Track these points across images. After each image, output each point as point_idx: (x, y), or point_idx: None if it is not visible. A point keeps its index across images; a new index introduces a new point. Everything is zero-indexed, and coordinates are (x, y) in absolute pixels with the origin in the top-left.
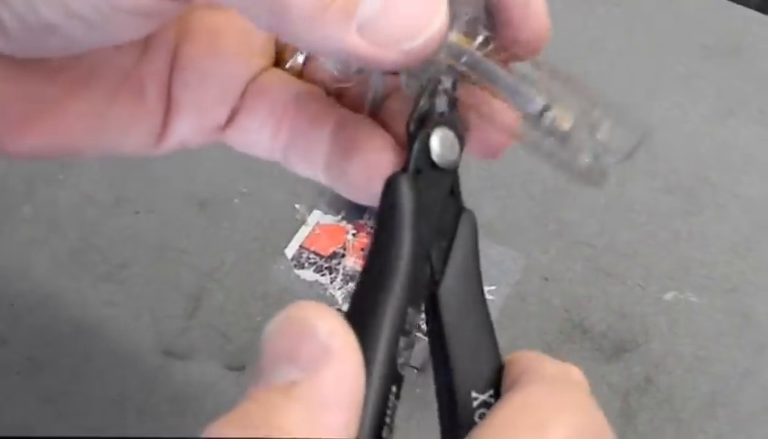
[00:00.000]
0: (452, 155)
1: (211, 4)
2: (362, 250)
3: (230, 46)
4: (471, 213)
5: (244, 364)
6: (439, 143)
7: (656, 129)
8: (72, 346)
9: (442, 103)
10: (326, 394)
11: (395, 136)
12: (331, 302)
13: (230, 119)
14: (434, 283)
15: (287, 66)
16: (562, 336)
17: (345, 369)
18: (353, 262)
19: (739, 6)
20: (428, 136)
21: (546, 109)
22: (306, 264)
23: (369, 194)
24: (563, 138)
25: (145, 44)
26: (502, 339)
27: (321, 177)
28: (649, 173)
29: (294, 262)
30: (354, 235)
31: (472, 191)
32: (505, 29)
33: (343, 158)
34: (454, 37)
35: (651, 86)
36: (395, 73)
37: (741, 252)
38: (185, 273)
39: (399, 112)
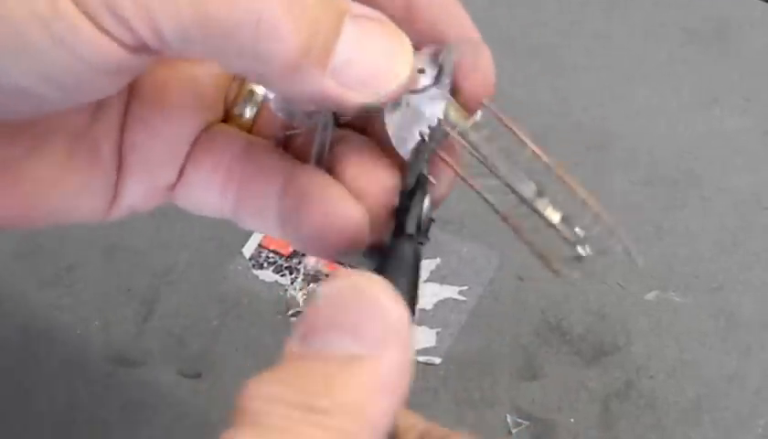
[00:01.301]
0: (430, 218)
1: (181, 58)
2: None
3: (177, 101)
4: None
5: (200, 371)
6: (428, 208)
7: (636, 117)
8: (19, 353)
9: (425, 166)
10: (387, 378)
11: (350, 182)
12: (291, 304)
13: (179, 178)
14: None
15: (237, 117)
16: (539, 339)
17: (405, 356)
18: (314, 262)
19: None
20: (422, 201)
21: (539, 194)
22: (265, 264)
23: (324, 246)
24: (549, 226)
25: (97, 103)
26: (475, 343)
27: (274, 233)
28: (628, 164)
29: (253, 262)
30: None
31: None
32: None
33: (296, 211)
34: (450, 108)
35: (630, 72)
36: (342, 125)
37: (728, 248)
38: (137, 275)
39: (347, 159)
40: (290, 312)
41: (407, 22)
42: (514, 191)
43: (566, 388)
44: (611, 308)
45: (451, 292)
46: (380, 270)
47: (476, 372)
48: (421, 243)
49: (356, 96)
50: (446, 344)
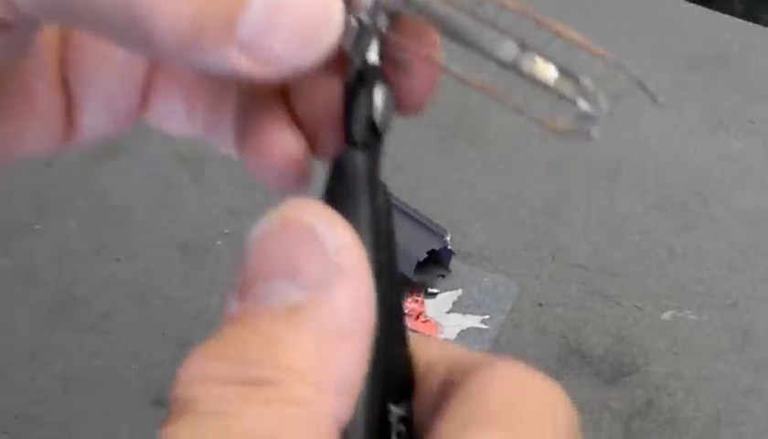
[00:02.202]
0: (391, 118)
1: (60, 29)
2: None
3: None
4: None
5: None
6: (381, 104)
7: (645, 143)
8: (59, 400)
9: (373, 51)
10: (341, 321)
11: (299, 104)
12: None
13: (142, 102)
14: None
15: None
16: (560, 362)
17: (358, 290)
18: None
19: (724, 15)
20: (370, 97)
21: (520, 54)
22: None
23: (266, 173)
24: (544, 87)
25: (20, 39)
26: None
27: (235, 155)
28: (639, 189)
29: None
30: None
31: (459, 220)
32: None
33: (243, 137)
34: None
35: (637, 99)
36: None
37: (739, 266)
38: (170, 319)
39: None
40: None
41: None
42: (486, 54)
43: (589, 409)
44: (628, 330)
45: (473, 321)
46: (326, 191)
47: None
48: (376, 149)
49: (275, 68)
50: None
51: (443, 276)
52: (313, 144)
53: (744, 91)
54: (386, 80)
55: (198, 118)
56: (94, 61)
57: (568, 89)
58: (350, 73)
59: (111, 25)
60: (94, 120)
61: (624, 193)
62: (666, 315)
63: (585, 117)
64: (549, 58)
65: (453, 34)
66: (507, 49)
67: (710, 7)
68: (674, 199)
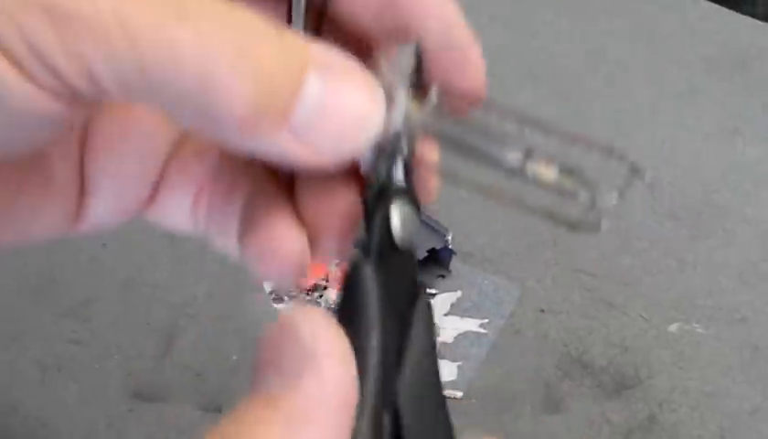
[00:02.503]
0: (413, 234)
1: (126, 103)
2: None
3: (147, 117)
4: (427, 296)
5: (221, 405)
6: (399, 219)
7: (659, 148)
8: (36, 388)
9: (399, 171)
10: (307, 406)
11: (306, 208)
12: None
13: (151, 196)
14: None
15: None
16: (560, 371)
17: (329, 375)
18: (336, 295)
19: (745, 17)
20: (388, 212)
21: (525, 159)
22: (286, 297)
23: (263, 272)
24: (549, 188)
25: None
26: (496, 376)
27: (236, 254)
28: (652, 196)
29: (273, 295)
30: (336, 265)
31: (462, 218)
32: (440, 80)
33: (244, 234)
34: (408, 107)
35: (652, 101)
36: None
37: (750, 281)
38: (155, 309)
39: (308, 179)
40: None
41: (386, 16)
42: (495, 163)
43: (589, 421)
44: (633, 340)
45: (471, 325)
46: (339, 296)
47: (498, 406)
48: (398, 262)
49: (322, 157)
50: (467, 378)
51: (443, 276)
52: (313, 244)
53: (763, 98)
54: (410, 199)
55: (202, 215)
56: (113, 152)
57: (570, 184)
58: (372, 187)
59: (182, 101)
60: (102, 210)
61: (635, 198)
62: (673, 328)
63: (592, 209)
64: (550, 159)
65: (462, 149)
66: (513, 158)
67: (732, 8)
68: (687, 208)
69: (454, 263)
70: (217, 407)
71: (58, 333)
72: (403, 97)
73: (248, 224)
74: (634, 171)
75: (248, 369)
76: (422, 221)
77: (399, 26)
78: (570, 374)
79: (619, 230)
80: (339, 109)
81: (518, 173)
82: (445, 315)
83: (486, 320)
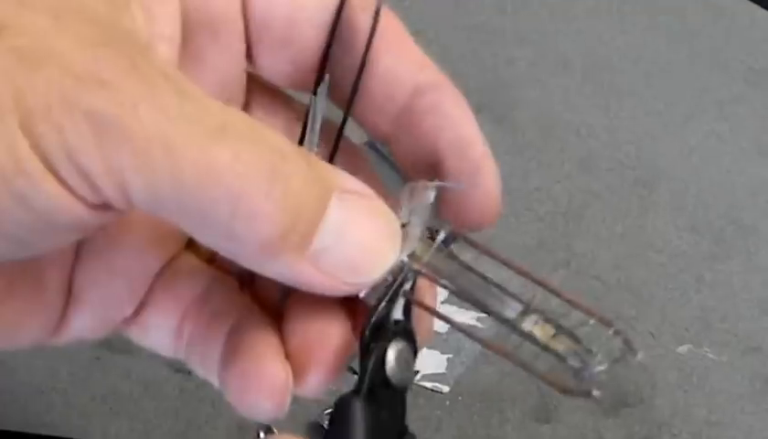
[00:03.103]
0: (407, 373)
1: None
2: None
3: (139, 235)
4: (413, 437)
5: (191, 368)
6: (395, 358)
7: (688, 157)
8: None
9: (398, 310)
10: None
11: (294, 340)
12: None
13: (135, 314)
14: None
15: (199, 246)
16: None
17: None
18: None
19: None
20: (384, 351)
21: (524, 314)
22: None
23: (243, 406)
24: (544, 347)
25: None
26: (487, 375)
27: (215, 382)
28: (675, 207)
29: None
30: None
31: None
32: (451, 210)
33: (225, 366)
34: (418, 248)
35: (688, 107)
36: None
37: None
38: None
39: (297, 310)
40: None
41: (404, 124)
42: (492, 315)
43: (580, 436)
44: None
45: (468, 317)
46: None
47: (485, 407)
48: (388, 402)
49: (334, 284)
50: (456, 372)
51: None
52: (298, 378)
53: None
54: (408, 339)
55: (184, 341)
56: (103, 267)
57: (563, 347)
58: (370, 323)
59: (209, 220)
60: (84, 323)
61: (658, 207)
62: (683, 349)
63: (583, 375)
64: (549, 318)
65: (463, 295)
66: (511, 311)
67: None
68: (711, 224)
69: (455, 249)
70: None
71: None
72: (416, 237)
73: (231, 353)
74: (629, 349)
75: None
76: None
77: (416, 138)
78: None
79: (637, 239)
80: (358, 238)
81: (513, 327)
82: (442, 302)
83: (485, 314)
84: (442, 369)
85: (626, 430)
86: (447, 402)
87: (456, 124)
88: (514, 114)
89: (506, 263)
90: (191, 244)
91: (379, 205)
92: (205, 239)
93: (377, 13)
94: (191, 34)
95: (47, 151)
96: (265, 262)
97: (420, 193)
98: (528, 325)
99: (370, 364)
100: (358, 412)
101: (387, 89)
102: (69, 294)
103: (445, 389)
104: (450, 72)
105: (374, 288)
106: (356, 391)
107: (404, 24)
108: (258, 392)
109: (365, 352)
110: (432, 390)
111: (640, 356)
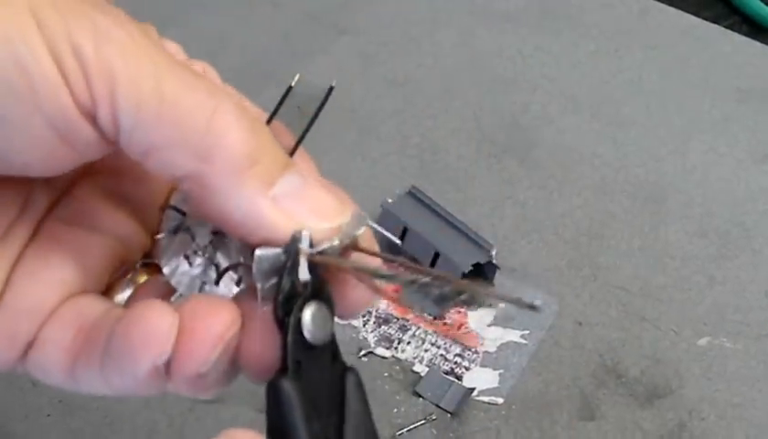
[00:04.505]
0: (326, 330)
1: (129, 152)
2: (395, 292)
3: (65, 263)
4: (354, 371)
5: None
6: (311, 322)
7: (691, 172)
8: None
9: (304, 271)
10: None
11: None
12: (363, 344)
13: (25, 350)
14: None
15: (117, 297)
16: (596, 381)
17: None
18: (386, 305)
19: None
20: (299, 321)
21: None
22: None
23: (125, 365)
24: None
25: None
26: (535, 384)
27: (95, 383)
28: (684, 217)
29: None
30: None
31: (506, 236)
32: None
33: (110, 336)
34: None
35: (686, 129)
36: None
37: None
38: None
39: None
40: (361, 353)
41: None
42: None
43: (622, 428)
44: (665, 353)
45: (513, 335)
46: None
47: (536, 412)
48: (314, 367)
49: (288, 225)
50: (508, 385)
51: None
52: (181, 345)
53: None
54: (320, 297)
55: (73, 358)
56: (26, 280)
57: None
58: (278, 298)
59: (183, 134)
60: None
61: (668, 219)
62: (703, 341)
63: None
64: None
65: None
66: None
67: (763, 41)
68: (717, 228)
69: (498, 278)
70: None
71: None
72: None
73: (114, 328)
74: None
75: None
76: (469, 237)
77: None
78: (605, 383)
79: (652, 249)
80: (317, 193)
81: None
82: (489, 325)
83: (527, 331)
84: (495, 384)
85: (660, 418)
86: (503, 412)
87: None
88: (534, 153)
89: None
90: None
91: (328, 184)
92: (177, 161)
93: None
94: None
95: (51, 38)
96: (230, 189)
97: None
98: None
99: (288, 338)
100: (290, 392)
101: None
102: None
103: (500, 400)
104: (474, 122)
105: (265, 275)
106: (282, 370)
107: (433, 82)
108: (145, 339)
109: (281, 327)
110: (489, 402)
111: (537, 302)
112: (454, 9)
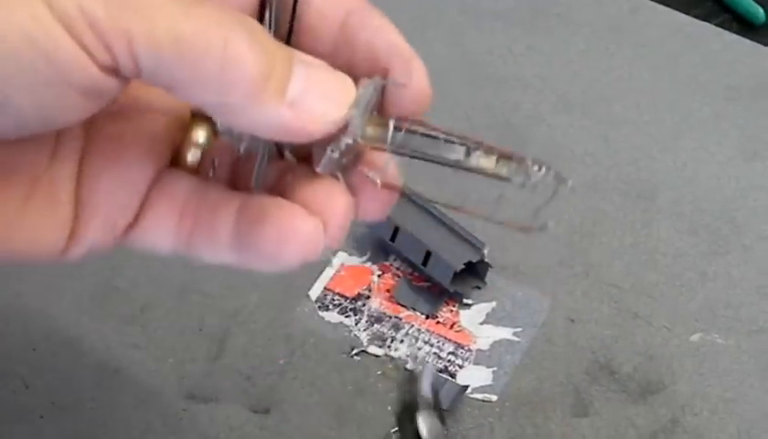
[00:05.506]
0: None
1: (150, 85)
2: (387, 291)
3: (134, 152)
4: None
5: (269, 407)
6: (427, 432)
7: (682, 170)
8: (95, 389)
9: (425, 387)
10: None
11: (304, 202)
12: (355, 343)
13: (134, 221)
14: None
15: (183, 162)
16: (589, 377)
17: None
18: (378, 304)
19: (764, 48)
20: (416, 426)
21: (468, 154)
22: (331, 306)
23: (281, 261)
24: (491, 175)
25: (54, 150)
26: (529, 381)
27: (226, 257)
28: (675, 214)
29: (319, 304)
30: (379, 276)
31: (498, 234)
32: (390, 106)
33: (251, 231)
34: (371, 129)
35: (677, 127)
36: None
37: (767, 293)
38: (208, 315)
39: (299, 184)
40: (354, 351)
41: (340, 50)
42: (438, 159)
43: (615, 425)
44: (657, 349)
45: (506, 333)
46: None
47: (530, 409)
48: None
49: (309, 125)
50: (502, 382)
51: (479, 288)
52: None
53: None
54: (438, 414)
55: (183, 235)
56: (106, 177)
57: (508, 170)
58: (401, 402)
59: (200, 71)
60: (94, 233)
61: (659, 217)
62: (695, 337)
63: (527, 184)
64: (489, 151)
65: (416, 153)
66: (457, 154)
67: (753, 39)
68: (708, 225)
69: (490, 276)
70: (265, 408)
71: (117, 338)
72: (365, 111)
73: (253, 222)
74: (560, 179)
75: (295, 372)
76: (460, 236)
77: (353, 51)
78: (598, 380)
79: (644, 246)
80: (324, 85)
81: (463, 164)
82: (481, 323)
83: (520, 329)
84: (489, 381)
85: (653, 414)
86: (497, 409)
87: (386, 34)
88: (525, 151)
89: (444, 131)
90: (174, 161)
91: (331, 68)
92: (197, 94)
93: None
94: None
95: (63, 12)
96: (251, 110)
97: (363, 85)
98: (474, 160)
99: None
100: None
101: (321, 17)
102: (78, 206)
103: (493, 398)
104: (465, 121)
105: (329, 159)
106: None
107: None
108: (297, 245)
109: (400, 428)
110: (483, 400)
111: (570, 183)
112: (444, 8)
